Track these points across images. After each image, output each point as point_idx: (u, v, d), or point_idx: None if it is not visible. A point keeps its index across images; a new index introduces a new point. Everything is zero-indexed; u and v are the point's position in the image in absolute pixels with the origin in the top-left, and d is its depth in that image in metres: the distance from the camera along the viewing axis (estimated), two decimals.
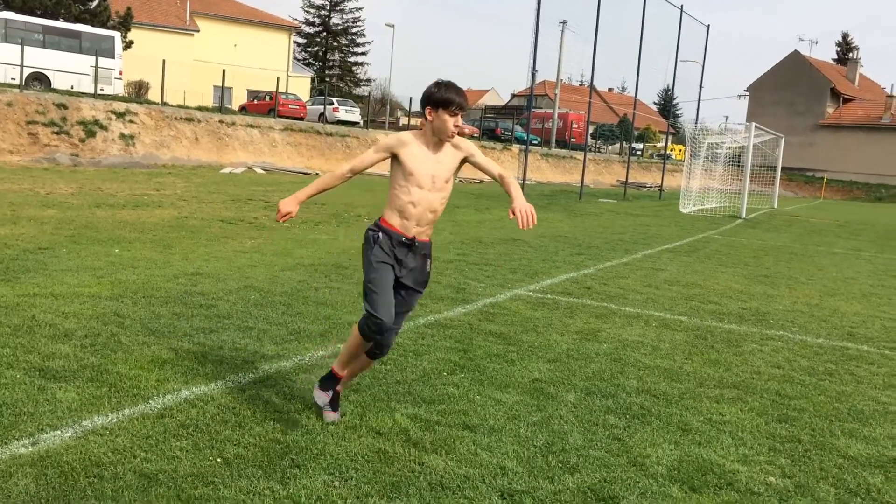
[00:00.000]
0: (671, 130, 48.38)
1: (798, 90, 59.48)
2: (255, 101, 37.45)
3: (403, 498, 2.96)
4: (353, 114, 37.50)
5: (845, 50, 74.73)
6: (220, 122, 27.12)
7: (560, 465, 3.42)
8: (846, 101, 61.49)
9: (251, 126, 28.11)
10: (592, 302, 7.37)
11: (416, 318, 5.92)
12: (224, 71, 30.87)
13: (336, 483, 3.03)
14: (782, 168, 36.43)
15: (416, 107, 60.49)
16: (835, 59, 72.97)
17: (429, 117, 3.42)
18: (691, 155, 26.22)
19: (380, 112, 55.50)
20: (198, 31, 46.04)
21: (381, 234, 3.46)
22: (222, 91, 32.22)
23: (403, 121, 50.44)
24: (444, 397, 4.17)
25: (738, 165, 26.31)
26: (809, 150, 58.36)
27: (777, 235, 17.34)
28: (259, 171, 24.48)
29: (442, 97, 3.36)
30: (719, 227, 18.48)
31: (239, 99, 41.60)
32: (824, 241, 16.61)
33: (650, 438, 3.83)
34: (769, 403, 4.58)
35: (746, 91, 63.24)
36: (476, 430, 3.73)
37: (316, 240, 10.01)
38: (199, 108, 28.97)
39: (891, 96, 60.03)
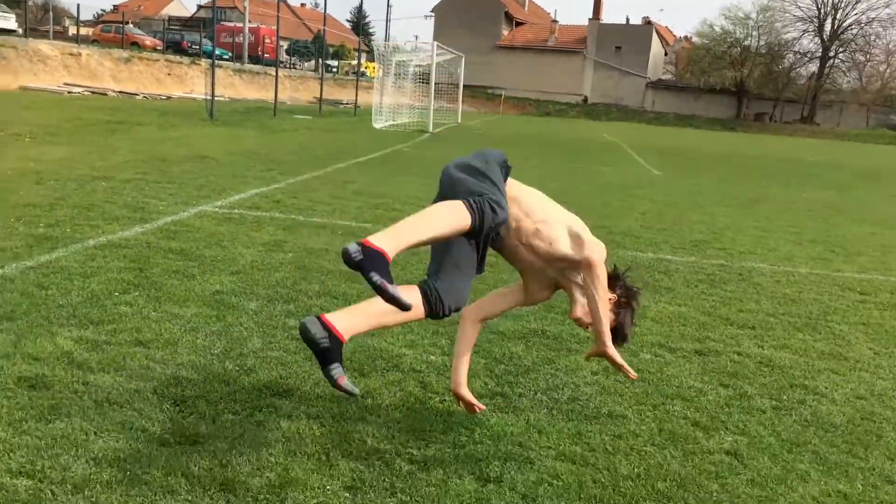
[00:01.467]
0: (364, 48, 49.02)
1: (477, 13, 63.35)
2: None
3: (64, 418, 2.81)
4: (6, 20, 32.60)
5: None
6: None
7: (237, 368, 3.47)
8: (518, 24, 66.88)
9: None
10: (280, 215, 7.39)
11: (86, 240, 5.50)
12: None
13: None
14: (466, 86, 38.91)
15: (86, 14, 53.88)
16: None
17: None
18: (383, 72, 26.91)
19: (43, 20, 48.85)
20: None
21: None
22: None
23: (73, 30, 44.95)
24: (114, 317, 3.97)
25: (426, 83, 27.55)
26: (489, 69, 62.88)
27: (460, 148, 18.63)
28: None
29: None
30: (408, 140, 19.36)
31: None
32: None
33: None
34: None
35: (432, 12, 65.86)
36: (149, 346, 3.63)
37: None
38: None
39: (554, 21, 66.42)
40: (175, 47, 41.21)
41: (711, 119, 59.82)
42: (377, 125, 23.87)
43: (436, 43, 25.84)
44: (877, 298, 5.94)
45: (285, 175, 10.31)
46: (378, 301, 2.57)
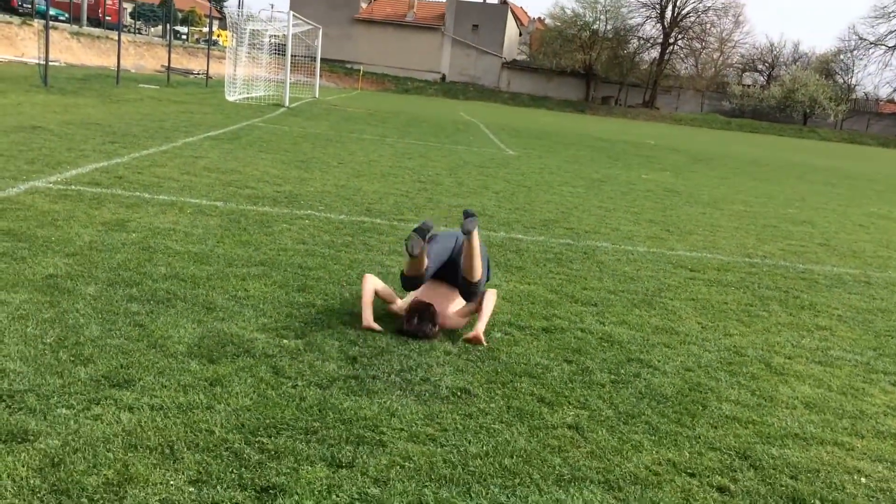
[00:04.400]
0: (216, 15, 46.93)
1: None
2: None
3: None
4: None
5: None
6: None
7: (72, 358, 3.27)
8: None
9: None
10: (123, 192, 6.99)
11: None
12: None
13: None
14: (323, 59, 38.20)
15: None
16: None
17: None
18: (236, 42, 25.88)
19: None
20: None
21: None
22: None
23: None
24: None
25: (283, 55, 26.75)
26: (348, 43, 62.07)
27: (316, 123, 18.32)
28: None
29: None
30: (263, 115, 18.80)
31: None
32: (357, 129, 18.07)
33: (173, 321, 3.87)
34: (291, 276, 4.94)
35: None
36: None
37: None
38: None
39: None
40: (4, 5, 37.73)
41: (563, 101, 62.04)
42: (230, 98, 23.00)
43: (292, 13, 25.13)
44: (705, 275, 6.41)
45: (129, 149, 9.74)
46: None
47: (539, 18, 73.47)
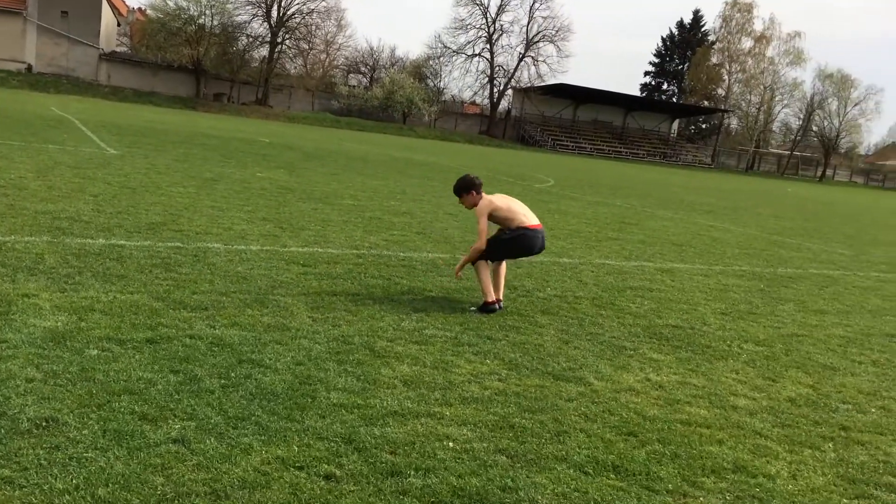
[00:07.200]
0: None
1: None
2: None
3: None
4: None
5: None
6: None
7: None
8: None
9: None
10: None
11: None
12: None
13: None
14: None
15: None
16: None
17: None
18: None
19: None
20: None
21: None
22: None
23: None
24: None
25: None
26: None
27: None
28: None
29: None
30: None
31: None
32: None
33: None
34: None
35: None
36: None
37: None
38: None
39: None
40: None
41: (171, 97, 59.15)
42: None
43: None
44: (316, 269, 6.62)
45: None
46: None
47: (140, 9, 69.02)
